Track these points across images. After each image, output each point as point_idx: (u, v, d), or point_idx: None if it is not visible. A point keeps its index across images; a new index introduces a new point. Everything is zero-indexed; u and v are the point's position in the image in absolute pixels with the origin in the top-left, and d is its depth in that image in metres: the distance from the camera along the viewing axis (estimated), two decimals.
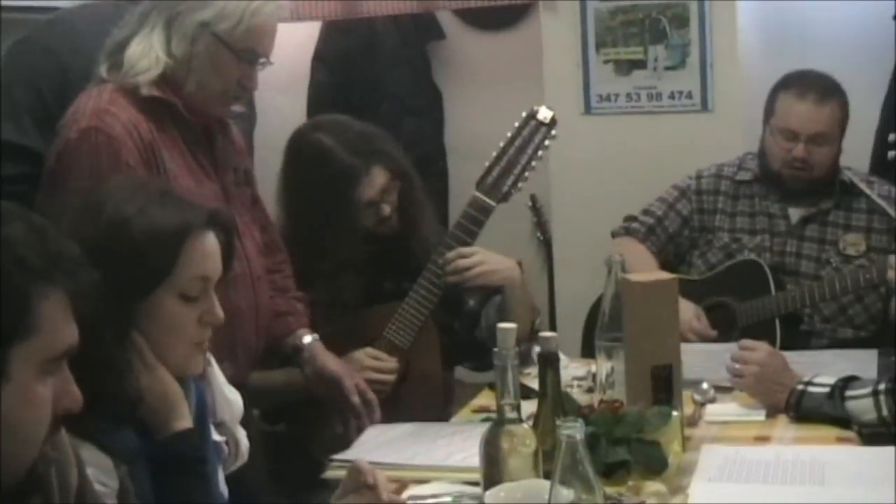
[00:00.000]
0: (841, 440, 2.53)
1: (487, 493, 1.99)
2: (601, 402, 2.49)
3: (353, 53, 4.63)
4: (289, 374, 3.01)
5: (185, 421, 2.02)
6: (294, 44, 4.74)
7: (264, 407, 3.05)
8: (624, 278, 2.59)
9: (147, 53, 2.61)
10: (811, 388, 2.65)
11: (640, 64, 4.11)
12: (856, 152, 3.85)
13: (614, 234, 3.71)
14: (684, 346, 2.61)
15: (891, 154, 3.23)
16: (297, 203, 3.13)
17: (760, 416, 2.69)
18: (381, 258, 3.17)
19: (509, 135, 3.03)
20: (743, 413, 2.72)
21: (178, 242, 2.01)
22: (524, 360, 2.85)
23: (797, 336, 3.38)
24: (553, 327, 4.16)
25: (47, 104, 2.93)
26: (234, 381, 2.59)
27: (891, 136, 3.24)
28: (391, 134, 3.32)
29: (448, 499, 2.25)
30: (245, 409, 2.37)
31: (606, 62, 4.14)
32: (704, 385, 2.76)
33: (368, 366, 3.02)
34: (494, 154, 3.03)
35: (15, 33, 3.25)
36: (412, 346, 3.07)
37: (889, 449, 2.39)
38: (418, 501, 2.26)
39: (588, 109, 4.17)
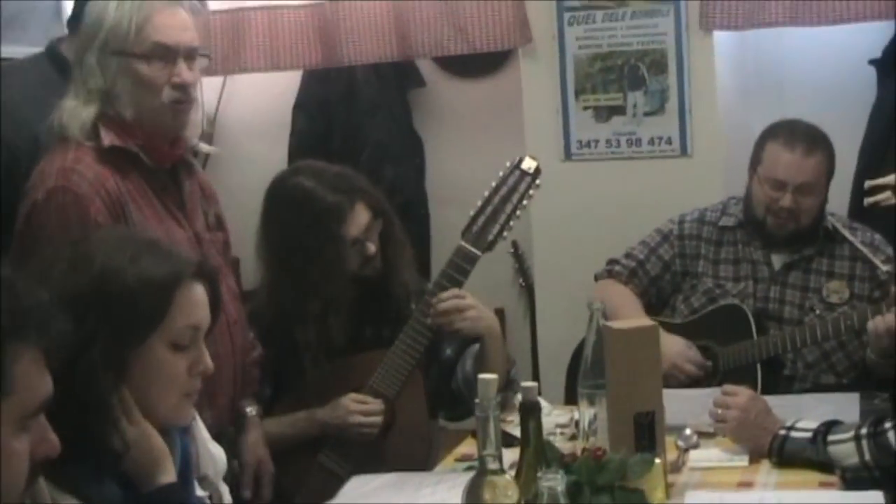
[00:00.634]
0: (824, 485, 2.53)
1: None
2: (584, 449, 2.49)
3: (334, 102, 4.64)
4: (293, 420, 3.07)
5: (169, 475, 2.01)
6: (274, 93, 4.76)
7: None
8: (605, 325, 2.59)
9: (77, 102, 2.63)
10: (794, 433, 2.65)
11: (619, 110, 4.14)
12: (834, 196, 3.87)
13: (597, 278, 3.72)
14: (666, 392, 2.61)
15: (867, 200, 3.25)
16: (280, 248, 3.13)
17: (743, 461, 2.69)
18: (361, 304, 3.18)
19: (494, 184, 3.05)
20: (726, 458, 2.72)
21: (170, 291, 2.01)
22: (503, 406, 2.85)
23: (779, 381, 3.39)
24: (536, 374, 4.16)
25: None
26: (217, 426, 2.61)
27: (866, 184, 3.26)
28: (372, 180, 3.34)
29: None
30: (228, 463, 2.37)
31: (586, 108, 4.16)
32: (687, 431, 2.76)
33: (354, 410, 3.04)
34: (479, 203, 3.05)
35: None
36: (398, 394, 3.08)
37: (872, 493, 2.40)
38: None
39: (568, 156, 4.19)
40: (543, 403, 2.57)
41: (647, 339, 2.58)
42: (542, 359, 4.22)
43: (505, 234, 3.05)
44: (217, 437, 2.60)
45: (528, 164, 3.05)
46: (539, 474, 1.80)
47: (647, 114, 4.11)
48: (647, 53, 4.07)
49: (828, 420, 2.64)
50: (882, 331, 3.16)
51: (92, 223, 2.52)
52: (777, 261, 3.53)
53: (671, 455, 2.65)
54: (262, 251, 3.16)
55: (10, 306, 1.45)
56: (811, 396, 3.20)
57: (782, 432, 2.66)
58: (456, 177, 4.58)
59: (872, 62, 4.04)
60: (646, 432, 2.49)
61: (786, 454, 2.64)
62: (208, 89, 4.63)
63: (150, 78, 2.63)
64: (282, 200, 3.15)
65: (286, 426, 3.08)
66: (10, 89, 3.26)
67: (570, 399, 3.21)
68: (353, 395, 3.05)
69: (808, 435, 2.62)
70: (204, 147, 2.84)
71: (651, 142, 4.11)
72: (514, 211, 3.04)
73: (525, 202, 3.05)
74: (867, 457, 2.51)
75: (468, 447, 2.91)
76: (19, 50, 3.96)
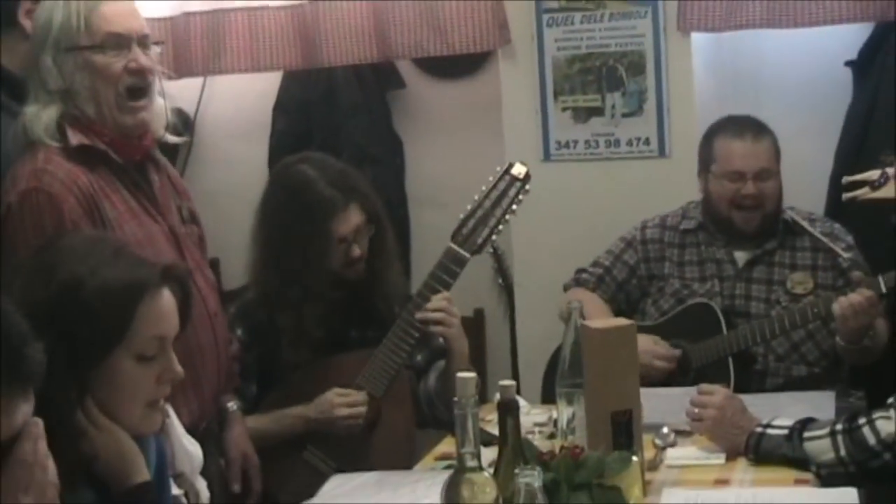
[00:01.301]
0: (799, 482, 2.56)
1: None
2: (562, 447, 2.50)
3: (314, 102, 4.64)
4: (278, 417, 3.08)
5: (142, 475, 2.01)
6: (254, 94, 4.76)
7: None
8: (583, 325, 2.61)
9: (38, 106, 2.64)
10: (770, 431, 2.68)
11: (597, 111, 4.15)
12: (810, 198, 3.90)
13: (566, 288, 3.78)
14: (644, 391, 2.63)
15: (845, 196, 3.28)
16: (271, 229, 3.18)
17: (720, 459, 2.72)
18: (346, 306, 3.20)
19: (484, 189, 3.10)
20: (703, 456, 2.74)
21: (132, 304, 1.98)
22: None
23: (752, 376, 3.43)
24: (515, 373, 4.17)
25: None
26: (202, 419, 2.62)
27: (844, 179, 3.30)
28: None
29: None
30: (206, 459, 2.38)
31: (565, 110, 4.18)
32: (664, 429, 2.79)
33: (338, 403, 3.08)
34: (470, 207, 3.11)
35: None
36: (385, 393, 3.11)
37: (846, 490, 2.43)
38: None
39: (547, 156, 4.21)
40: (522, 402, 2.59)
41: (624, 338, 2.60)
42: (520, 358, 4.24)
43: (494, 237, 3.12)
44: (203, 432, 2.62)
45: (519, 170, 3.11)
46: (517, 471, 1.81)
47: (625, 115, 4.12)
48: (626, 55, 4.09)
49: (803, 418, 2.67)
50: (848, 310, 3.21)
51: (67, 222, 2.53)
52: (740, 258, 3.58)
53: (649, 453, 2.67)
54: (255, 231, 3.20)
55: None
56: (787, 395, 3.23)
57: (758, 430, 2.69)
58: (435, 178, 4.60)
59: (848, 63, 4.06)
60: (623, 431, 2.51)
61: (762, 451, 2.67)
62: (188, 90, 4.64)
63: (106, 66, 2.64)
64: (282, 183, 3.22)
65: (271, 423, 3.10)
66: None
67: (548, 398, 3.24)
68: (336, 390, 3.09)
69: (784, 432, 2.65)
70: (171, 138, 2.84)
71: (629, 143, 4.13)
72: (503, 215, 3.11)
73: (515, 207, 3.10)
74: (842, 452, 2.54)
75: (448, 446, 2.92)
76: None
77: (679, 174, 3.97)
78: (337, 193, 3.12)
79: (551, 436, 2.83)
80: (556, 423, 2.72)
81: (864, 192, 3.21)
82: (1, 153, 2.78)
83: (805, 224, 3.53)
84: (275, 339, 3.17)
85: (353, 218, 3.13)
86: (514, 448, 2.20)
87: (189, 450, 2.28)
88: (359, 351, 3.17)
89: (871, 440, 2.52)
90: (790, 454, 2.62)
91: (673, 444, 2.77)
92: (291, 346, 3.14)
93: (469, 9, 4.20)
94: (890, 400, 2.56)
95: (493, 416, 2.64)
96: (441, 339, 3.17)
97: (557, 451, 2.48)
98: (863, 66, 4.03)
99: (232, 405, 2.95)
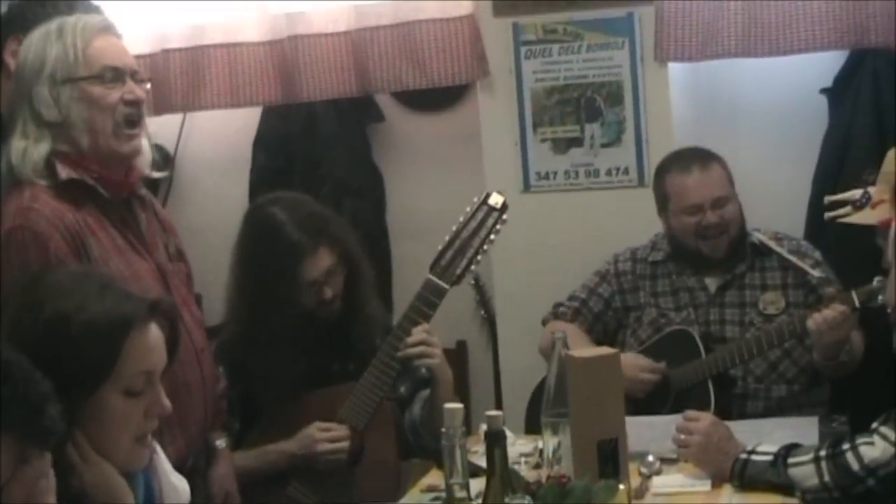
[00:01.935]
0: None
1: None
2: (548, 477, 2.51)
3: (293, 137, 4.65)
4: (261, 453, 3.09)
5: None
6: (234, 129, 4.77)
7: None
8: (567, 354, 2.63)
9: (27, 142, 2.64)
10: (755, 457, 2.69)
11: (576, 141, 4.17)
12: (789, 223, 3.92)
13: (544, 322, 3.79)
14: (628, 420, 2.64)
15: (827, 215, 3.30)
16: (243, 270, 3.18)
17: (706, 485, 2.73)
18: (327, 340, 3.20)
19: (462, 219, 3.10)
20: (689, 483, 2.75)
21: (119, 339, 1.98)
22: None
23: (732, 400, 3.45)
24: (498, 404, 4.17)
25: None
26: (189, 455, 2.61)
27: (826, 199, 3.31)
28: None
29: None
30: (193, 495, 2.37)
31: (544, 141, 4.20)
32: (650, 457, 2.80)
33: (320, 438, 3.07)
34: (447, 238, 3.10)
35: None
36: (367, 426, 3.10)
37: None
38: None
39: (527, 187, 4.22)
40: (507, 433, 2.59)
41: (608, 366, 2.61)
42: (504, 389, 4.24)
43: (473, 267, 3.12)
44: (191, 468, 2.62)
45: (496, 200, 3.11)
46: (506, 500, 1.82)
47: (604, 145, 4.15)
48: (603, 86, 4.12)
49: (788, 443, 2.68)
50: (822, 326, 3.23)
51: (52, 259, 2.53)
52: (711, 284, 3.61)
53: (635, 481, 2.68)
54: (231, 270, 3.20)
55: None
56: (770, 421, 3.24)
57: (743, 456, 2.70)
58: (416, 210, 4.60)
59: (824, 91, 4.10)
60: (609, 459, 2.52)
61: (747, 477, 2.68)
62: (168, 126, 4.64)
63: (104, 96, 2.67)
64: (252, 226, 3.21)
65: (253, 459, 3.09)
66: None
67: (533, 429, 3.25)
68: (318, 424, 3.08)
69: (769, 458, 2.66)
70: (155, 174, 2.86)
71: (609, 172, 4.15)
72: (481, 245, 3.10)
73: (493, 237, 3.10)
74: (827, 478, 2.55)
75: (434, 478, 2.92)
76: None
77: None
78: (305, 237, 3.11)
79: (537, 466, 2.84)
80: (541, 452, 2.73)
81: (846, 212, 3.22)
82: None
83: (772, 244, 3.56)
84: (252, 377, 3.17)
85: (322, 261, 3.12)
86: (502, 478, 2.20)
87: (176, 485, 2.27)
88: (340, 384, 3.16)
89: (855, 466, 2.53)
90: (775, 480, 2.64)
91: (658, 472, 2.78)
92: (263, 387, 3.14)
93: (447, 42, 4.22)
94: (873, 425, 2.57)
95: (478, 448, 2.65)
96: (424, 370, 3.17)
97: (544, 480, 2.49)
98: (838, 92, 4.06)
99: (220, 442, 2.94)
